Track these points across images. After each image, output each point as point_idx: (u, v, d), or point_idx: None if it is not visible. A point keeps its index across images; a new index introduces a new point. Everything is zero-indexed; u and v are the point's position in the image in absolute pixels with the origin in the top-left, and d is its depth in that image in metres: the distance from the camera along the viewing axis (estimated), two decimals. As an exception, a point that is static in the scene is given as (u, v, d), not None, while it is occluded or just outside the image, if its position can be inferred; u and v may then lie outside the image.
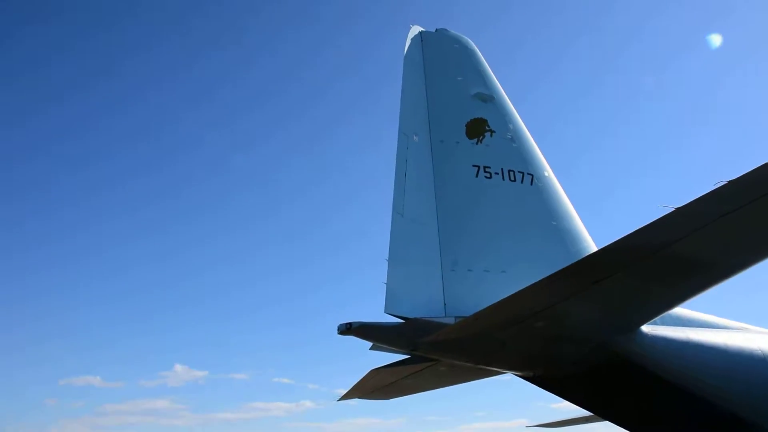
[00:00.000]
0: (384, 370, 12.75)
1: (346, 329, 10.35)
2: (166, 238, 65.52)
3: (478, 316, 9.83)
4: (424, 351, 11.06)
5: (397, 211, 11.46)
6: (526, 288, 9.18)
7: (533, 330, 10.39)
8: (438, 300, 11.08)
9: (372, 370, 12.81)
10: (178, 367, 55.75)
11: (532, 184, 13.06)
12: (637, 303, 10.24)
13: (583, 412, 33.17)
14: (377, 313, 10.56)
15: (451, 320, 10.44)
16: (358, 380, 13.65)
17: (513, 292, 9.23)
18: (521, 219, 12.54)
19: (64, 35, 62.30)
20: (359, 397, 17.13)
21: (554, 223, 12.85)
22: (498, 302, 9.48)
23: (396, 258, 10.91)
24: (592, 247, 12.85)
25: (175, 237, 66.15)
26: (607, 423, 12.96)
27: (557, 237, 12.70)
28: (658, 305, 10.56)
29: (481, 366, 11.96)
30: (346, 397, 16.71)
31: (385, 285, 10.60)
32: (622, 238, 8.12)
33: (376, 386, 15.22)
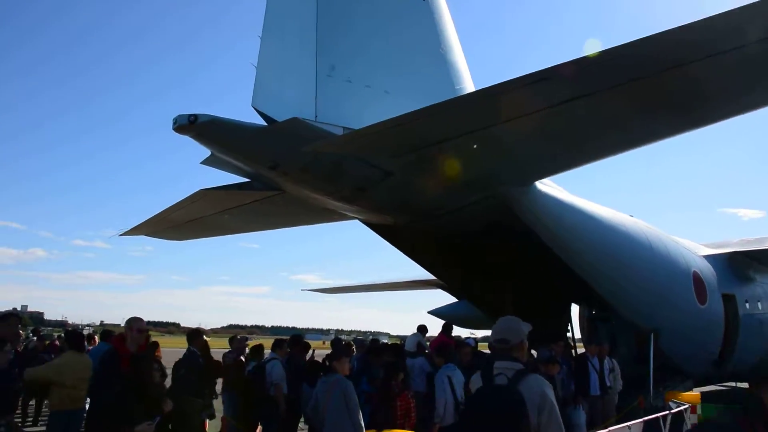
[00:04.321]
0: (213, 193, 9.84)
1: (188, 123, 7.26)
2: None
3: (375, 129, 7.52)
4: (285, 170, 8.46)
5: None
6: (437, 105, 7.18)
7: (429, 161, 8.45)
8: (309, 107, 8.49)
9: (201, 190, 9.80)
10: None
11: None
12: (553, 150, 8.74)
13: (351, 283, 32.87)
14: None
15: (339, 130, 7.97)
16: (176, 203, 10.53)
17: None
18: (409, 36, 10.32)
19: None
20: (149, 234, 13.93)
21: (442, 52, 10.83)
22: (401, 116, 7.29)
23: (271, 34, 7.96)
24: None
25: None
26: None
27: (444, 69, 10.72)
28: (574, 156, 9.16)
29: (340, 202, 9.73)
30: (133, 232, 13.44)
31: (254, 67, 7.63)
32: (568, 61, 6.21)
33: (177, 221, 12.28)
